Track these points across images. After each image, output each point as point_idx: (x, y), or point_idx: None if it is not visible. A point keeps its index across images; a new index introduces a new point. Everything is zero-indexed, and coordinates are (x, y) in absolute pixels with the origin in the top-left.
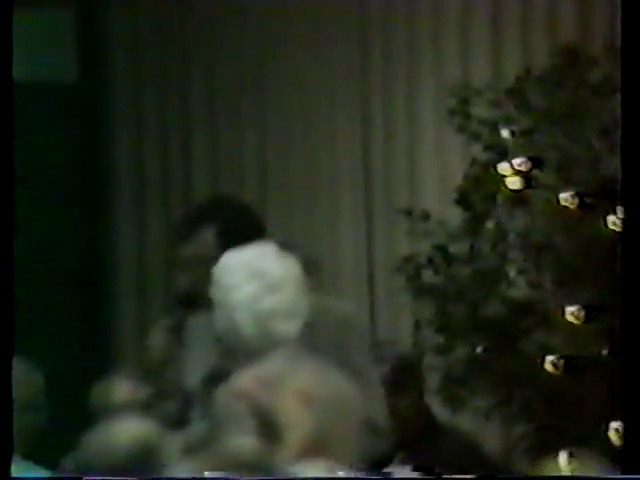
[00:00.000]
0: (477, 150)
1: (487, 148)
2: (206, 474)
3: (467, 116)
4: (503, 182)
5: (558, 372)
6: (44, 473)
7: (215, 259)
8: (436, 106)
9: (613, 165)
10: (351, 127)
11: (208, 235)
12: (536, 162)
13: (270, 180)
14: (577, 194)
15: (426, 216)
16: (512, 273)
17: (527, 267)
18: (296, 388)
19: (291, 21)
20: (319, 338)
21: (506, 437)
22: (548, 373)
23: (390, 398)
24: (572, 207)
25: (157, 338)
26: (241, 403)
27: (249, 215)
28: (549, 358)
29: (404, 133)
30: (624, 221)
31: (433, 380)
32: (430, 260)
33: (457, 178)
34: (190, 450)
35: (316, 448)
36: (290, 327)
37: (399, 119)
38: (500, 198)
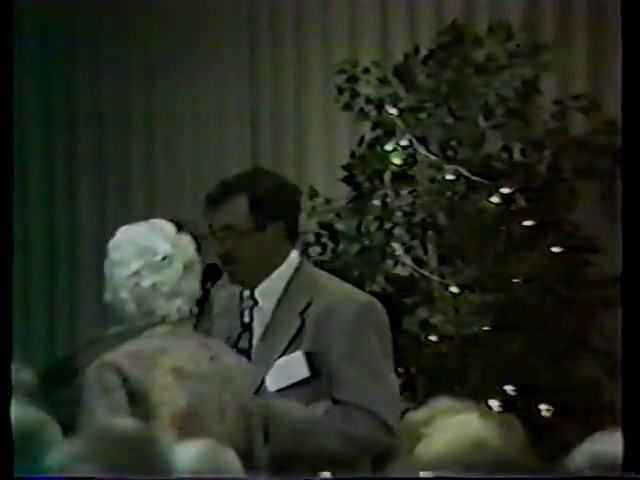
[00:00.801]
0: (364, 128)
1: (374, 126)
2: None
3: (355, 94)
4: (389, 160)
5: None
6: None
7: (248, 230)
8: (324, 84)
9: (496, 144)
10: (239, 103)
11: (242, 205)
12: (421, 140)
13: (156, 162)
14: (461, 173)
15: (313, 194)
16: (398, 251)
17: (412, 244)
18: (171, 365)
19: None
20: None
21: None
22: (431, 349)
23: None
24: (456, 185)
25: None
26: (111, 375)
27: (284, 190)
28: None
29: (292, 111)
30: (623, 218)
31: None
32: (317, 237)
33: (344, 156)
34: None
35: (190, 425)
36: (173, 306)
37: (287, 97)
38: (386, 176)
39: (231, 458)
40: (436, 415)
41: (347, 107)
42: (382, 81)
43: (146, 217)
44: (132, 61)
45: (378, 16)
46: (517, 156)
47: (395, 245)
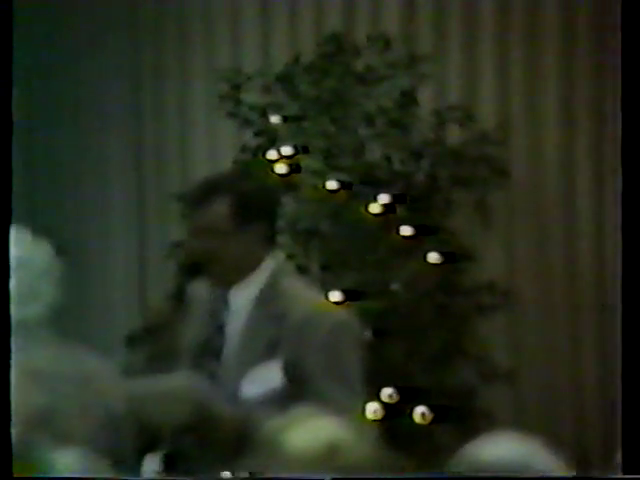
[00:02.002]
0: (247, 136)
1: (257, 134)
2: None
3: (238, 102)
4: (272, 168)
5: None
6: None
7: (228, 231)
8: (207, 91)
9: (377, 153)
10: (123, 111)
11: (223, 207)
12: (304, 149)
13: (37, 163)
14: (342, 181)
15: None
16: (281, 258)
17: (295, 252)
18: (28, 367)
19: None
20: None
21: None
22: None
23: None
24: (337, 194)
25: (157, 303)
26: None
27: (266, 192)
28: None
29: (176, 118)
30: (624, 219)
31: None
32: None
33: (227, 163)
34: None
35: (49, 426)
36: (29, 310)
37: (171, 104)
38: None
39: None
40: (294, 422)
41: (231, 115)
42: (265, 89)
43: None
44: None
45: (260, 24)
46: (397, 165)
47: (277, 252)
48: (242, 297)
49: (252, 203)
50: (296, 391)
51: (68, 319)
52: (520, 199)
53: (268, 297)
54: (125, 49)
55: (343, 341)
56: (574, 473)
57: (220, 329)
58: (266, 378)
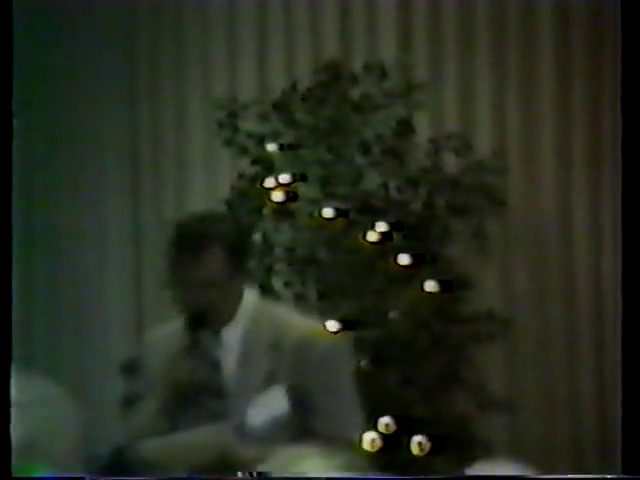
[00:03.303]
0: (244, 164)
1: (254, 162)
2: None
3: (235, 130)
4: (269, 196)
5: None
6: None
7: (220, 276)
8: (204, 119)
9: (373, 181)
10: (119, 139)
11: (218, 255)
12: (301, 177)
13: (36, 183)
14: (339, 209)
15: None
16: (278, 286)
17: (292, 280)
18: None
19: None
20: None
21: None
22: None
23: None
24: (334, 222)
25: (181, 363)
26: None
27: (244, 230)
28: None
29: (172, 145)
30: (624, 225)
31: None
32: None
33: (224, 191)
34: None
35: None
36: None
37: (167, 132)
38: (266, 212)
39: None
40: (287, 464)
41: (227, 143)
42: (262, 117)
43: None
44: None
45: (256, 52)
46: (394, 193)
47: (275, 280)
48: (232, 334)
49: (237, 247)
50: (301, 417)
51: (65, 349)
52: (517, 227)
53: (257, 329)
54: (122, 75)
55: (340, 364)
56: None
57: (216, 368)
58: (271, 407)
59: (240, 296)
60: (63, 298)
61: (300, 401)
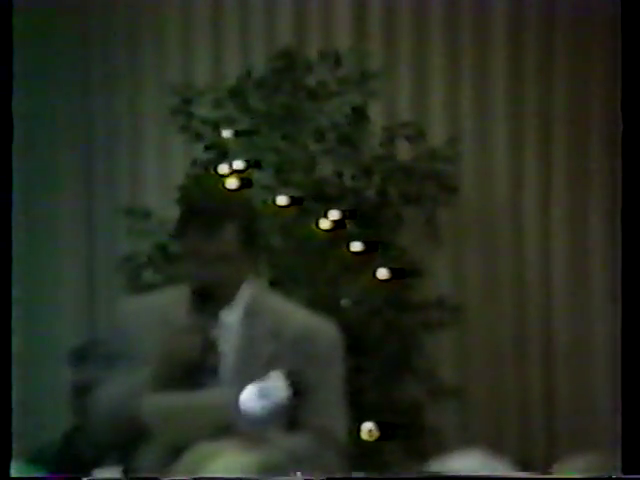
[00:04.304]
0: (198, 150)
1: (208, 148)
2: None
3: (189, 116)
4: (222, 182)
5: None
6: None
7: (238, 255)
8: (159, 105)
9: (327, 168)
10: (73, 125)
11: (231, 232)
12: (255, 164)
13: None
14: (293, 196)
15: (147, 215)
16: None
17: None
18: None
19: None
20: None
21: None
22: None
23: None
24: (288, 209)
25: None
26: None
27: (255, 214)
28: None
29: (126, 131)
30: (623, 223)
31: None
32: (150, 259)
33: (178, 177)
34: None
35: None
36: None
37: (121, 118)
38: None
39: None
40: (200, 461)
41: (182, 129)
42: (217, 104)
43: None
44: None
45: (211, 38)
46: (347, 181)
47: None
48: (231, 317)
49: (249, 226)
50: (299, 404)
51: (15, 333)
52: (469, 216)
53: (255, 315)
54: (75, 62)
55: (337, 358)
56: None
57: (214, 349)
58: (271, 392)
59: (242, 279)
60: (15, 285)
61: (297, 391)
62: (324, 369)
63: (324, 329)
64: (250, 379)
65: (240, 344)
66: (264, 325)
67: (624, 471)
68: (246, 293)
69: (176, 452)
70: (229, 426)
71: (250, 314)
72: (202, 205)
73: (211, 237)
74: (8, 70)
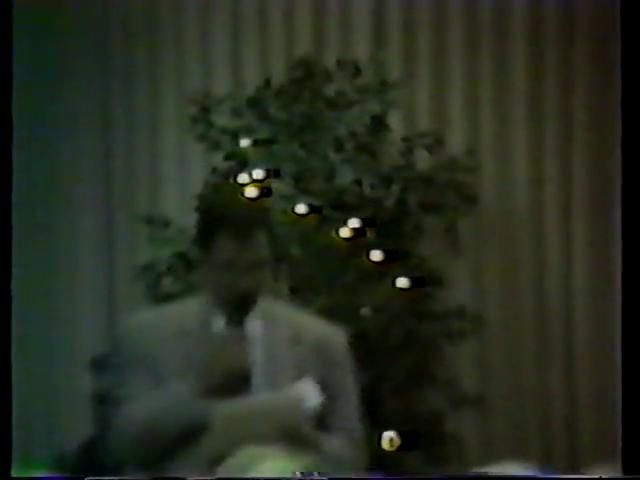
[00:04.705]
0: (217, 159)
1: (227, 157)
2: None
3: (208, 125)
4: (242, 192)
5: None
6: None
7: (267, 263)
8: (178, 114)
9: (346, 177)
10: (92, 134)
11: (263, 239)
12: (274, 173)
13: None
14: (312, 205)
15: (167, 223)
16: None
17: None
18: None
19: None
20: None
21: None
22: None
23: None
24: (307, 218)
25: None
26: None
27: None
28: None
29: (146, 140)
30: (623, 222)
31: None
32: (170, 268)
33: (198, 186)
34: None
35: None
36: None
37: (141, 126)
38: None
39: None
40: (249, 462)
41: (201, 138)
42: (235, 113)
43: None
44: None
45: (230, 47)
46: (367, 190)
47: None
48: (252, 326)
49: (276, 234)
50: (329, 409)
51: (35, 341)
52: (489, 225)
53: (274, 323)
54: (95, 70)
55: (350, 358)
56: None
57: (246, 358)
58: (305, 396)
59: (263, 288)
60: (36, 294)
61: (327, 395)
62: (344, 374)
63: (338, 336)
64: (281, 386)
65: (265, 352)
66: (285, 333)
67: (624, 471)
68: (264, 302)
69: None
70: (294, 429)
71: (270, 323)
72: (225, 213)
73: (238, 246)
74: (8, 76)
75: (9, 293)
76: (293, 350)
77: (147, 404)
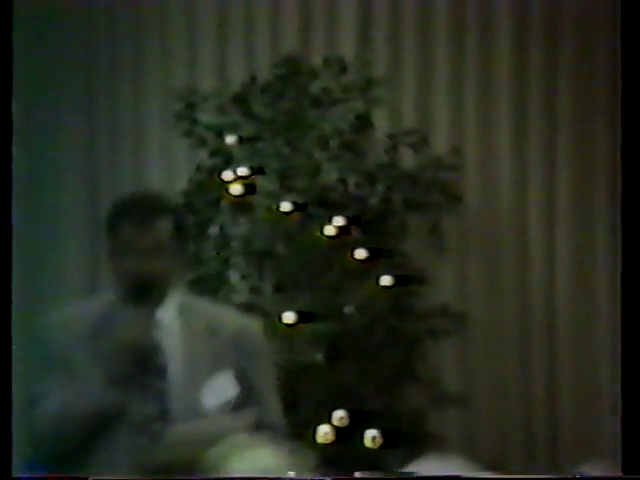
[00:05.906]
0: (202, 156)
1: (212, 154)
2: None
3: (193, 121)
4: (226, 188)
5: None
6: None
7: (171, 249)
8: (163, 110)
9: (331, 175)
10: (76, 130)
11: (165, 225)
12: (259, 170)
13: None
14: (297, 203)
15: None
16: (234, 278)
17: (249, 272)
18: None
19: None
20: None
21: None
22: None
23: None
24: (292, 215)
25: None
26: None
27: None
28: None
29: (130, 136)
30: (623, 222)
31: None
32: None
33: (182, 183)
34: None
35: None
36: None
37: (125, 122)
38: (224, 204)
39: None
40: (233, 451)
41: (186, 134)
42: (220, 109)
43: None
44: None
45: (216, 44)
46: (351, 188)
47: (232, 272)
48: (166, 316)
49: (180, 223)
50: (247, 400)
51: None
52: (473, 224)
53: (189, 313)
54: (80, 66)
55: (266, 348)
56: None
57: (157, 348)
58: (221, 389)
59: (174, 278)
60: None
61: (244, 389)
62: (263, 366)
63: (255, 327)
64: (198, 377)
65: (181, 343)
66: (201, 325)
67: (624, 471)
68: (176, 292)
69: None
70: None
71: (186, 314)
72: (125, 199)
73: (142, 233)
74: (8, 74)
75: (9, 293)
76: (210, 341)
77: (58, 397)
